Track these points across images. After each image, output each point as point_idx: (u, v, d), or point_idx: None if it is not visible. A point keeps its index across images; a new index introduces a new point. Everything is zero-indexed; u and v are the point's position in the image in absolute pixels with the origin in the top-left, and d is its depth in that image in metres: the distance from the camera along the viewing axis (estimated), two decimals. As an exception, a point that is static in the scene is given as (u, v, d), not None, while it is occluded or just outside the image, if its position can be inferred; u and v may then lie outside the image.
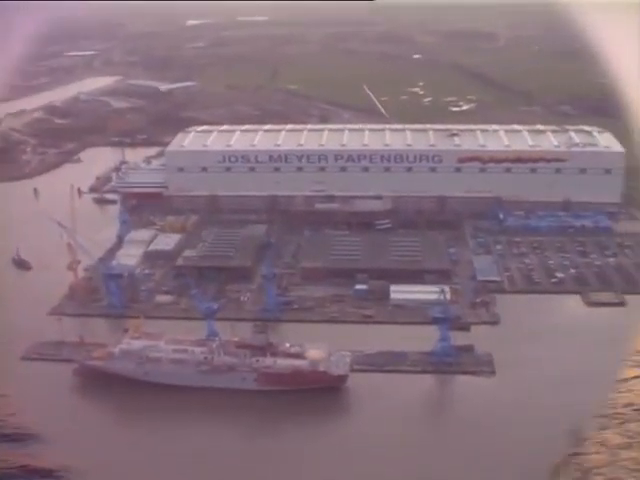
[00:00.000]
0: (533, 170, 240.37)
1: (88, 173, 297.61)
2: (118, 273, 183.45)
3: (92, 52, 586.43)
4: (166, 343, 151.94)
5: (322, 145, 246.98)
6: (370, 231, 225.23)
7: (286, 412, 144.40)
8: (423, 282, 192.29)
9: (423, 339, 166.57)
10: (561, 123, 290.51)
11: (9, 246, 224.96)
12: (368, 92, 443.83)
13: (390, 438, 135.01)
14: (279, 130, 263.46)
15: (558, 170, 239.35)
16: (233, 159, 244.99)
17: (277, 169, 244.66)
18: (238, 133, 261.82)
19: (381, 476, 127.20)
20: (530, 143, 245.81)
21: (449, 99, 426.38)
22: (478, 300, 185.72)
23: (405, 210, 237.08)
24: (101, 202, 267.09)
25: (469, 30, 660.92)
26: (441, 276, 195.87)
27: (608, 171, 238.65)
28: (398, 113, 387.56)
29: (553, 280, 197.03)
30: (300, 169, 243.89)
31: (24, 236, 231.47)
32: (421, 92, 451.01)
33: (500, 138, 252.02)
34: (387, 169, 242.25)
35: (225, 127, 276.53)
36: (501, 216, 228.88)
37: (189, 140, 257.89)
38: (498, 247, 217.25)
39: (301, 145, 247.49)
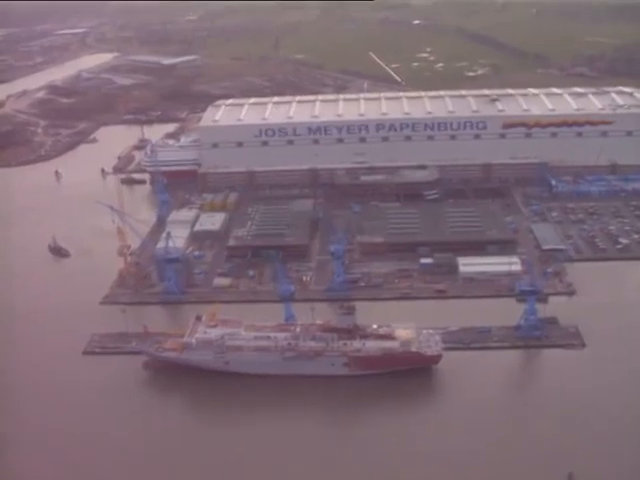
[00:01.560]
0: (579, 134, 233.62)
1: (107, 153, 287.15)
2: (175, 257, 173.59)
3: (83, 29, 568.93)
4: (246, 330, 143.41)
5: (362, 115, 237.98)
6: (420, 202, 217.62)
7: (382, 395, 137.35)
8: (486, 253, 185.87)
9: (499, 312, 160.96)
10: (580, 84, 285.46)
11: (41, 233, 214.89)
12: (377, 59, 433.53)
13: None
14: (312, 101, 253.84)
15: (604, 133, 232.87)
16: (270, 133, 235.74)
17: (316, 141, 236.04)
18: (270, 105, 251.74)
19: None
20: (574, 106, 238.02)
21: (461, 64, 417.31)
22: (549, 270, 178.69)
23: (450, 179, 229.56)
24: (129, 182, 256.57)
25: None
26: (505, 246, 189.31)
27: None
28: (413, 80, 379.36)
29: (618, 246, 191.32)
30: (340, 140, 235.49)
31: (54, 221, 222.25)
32: (431, 58, 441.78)
33: (542, 102, 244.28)
34: (430, 137, 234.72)
35: (255, 100, 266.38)
36: (553, 182, 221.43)
37: (221, 115, 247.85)
38: (554, 214, 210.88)
39: (340, 116, 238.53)
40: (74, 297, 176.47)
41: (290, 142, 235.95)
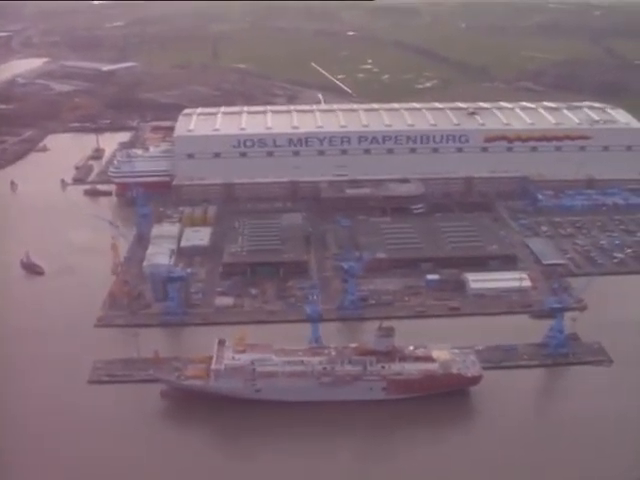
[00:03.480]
0: (558, 148, 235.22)
1: (60, 162, 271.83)
2: (180, 275, 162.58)
3: (6, 33, 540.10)
4: (276, 355, 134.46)
5: (343, 127, 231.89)
6: (408, 216, 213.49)
7: (424, 421, 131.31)
8: (488, 269, 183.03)
9: (517, 329, 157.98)
10: (528, 98, 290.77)
11: (8, 248, 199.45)
12: (321, 70, 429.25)
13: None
14: (289, 111, 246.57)
15: (582, 148, 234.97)
16: (249, 143, 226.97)
17: (297, 153, 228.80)
18: (245, 115, 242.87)
19: None
20: (552, 121, 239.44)
21: (407, 76, 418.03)
22: (556, 285, 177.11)
23: (433, 193, 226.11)
24: (93, 194, 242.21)
25: (391, 6, 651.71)
26: (506, 262, 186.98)
27: (629, 148, 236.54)
28: (362, 91, 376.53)
29: (614, 261, 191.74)
30: (321, 152, 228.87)
31: (20, 236, 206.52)
32: (375, 69, 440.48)
33: (519, 116, 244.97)
34: (413, 150, 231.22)
35: (227, 109, 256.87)
36: (540, 196, 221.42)
37: (195, 124, 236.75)
38: (543, 228, 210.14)
39: (321, 127, 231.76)
40: (63, 320, 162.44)
41: (270, 153, 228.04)
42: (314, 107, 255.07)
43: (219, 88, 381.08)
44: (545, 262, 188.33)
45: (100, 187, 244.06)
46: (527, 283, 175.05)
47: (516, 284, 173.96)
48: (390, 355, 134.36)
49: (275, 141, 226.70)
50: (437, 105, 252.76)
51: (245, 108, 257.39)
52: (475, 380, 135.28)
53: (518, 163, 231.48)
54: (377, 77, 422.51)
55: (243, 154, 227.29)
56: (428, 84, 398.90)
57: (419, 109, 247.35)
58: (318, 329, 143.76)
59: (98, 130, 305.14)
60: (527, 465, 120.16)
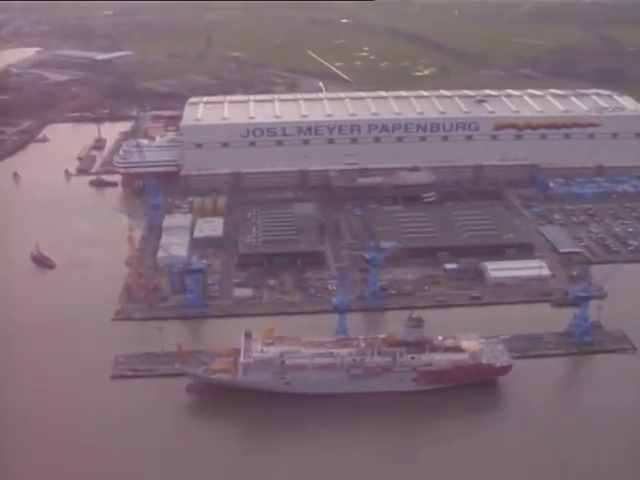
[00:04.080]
0: (567, 136, 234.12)
1: (62, 153, 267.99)
2: (200, 267, 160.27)
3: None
4: (305, 347, 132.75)
5: (353, 115, 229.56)
6: (420, 205, 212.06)
7: (456, 411, 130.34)
8: (505, 257, 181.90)
9: (539, 318, 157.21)
10: (527, 85, 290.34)
11: (18, 241, 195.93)
12: (318, 58, 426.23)
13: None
14: (296, 100, 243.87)
15: (591, 135, 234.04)
16: (258, 132, 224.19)
17: (306, 142, 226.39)
18: (252, 104, 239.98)
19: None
20: (561, 108, 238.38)
21: (404, 64, 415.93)
22: (575, 273, 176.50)
23: (443, 181, 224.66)
24: (98, 184, 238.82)
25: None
26: (522, 250, 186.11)
27: (638, 135, 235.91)
28: (361, 79, 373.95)
29: (630, 248, 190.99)
30: (331, 141, 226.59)
31: (28, 228, 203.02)
32: (371, 57, 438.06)
33: (527, 103, 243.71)
34: (422, 138, 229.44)
35: (234, 97, 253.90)
36: (551, 184, 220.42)
37: (202, 113, 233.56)
38: (556, 216, 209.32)
39: (330, 115, 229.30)
40: (80, 313, 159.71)
41: (279, 142, 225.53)
42: (321, 95, 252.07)
43: (217, 77, 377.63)
44: (561, 250, 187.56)
45: (105, 178, 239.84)
46: (546, 272, 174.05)
47: (536, 273, 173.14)
48: (420, 346, 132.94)
49: (285, 130, 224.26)
50: (444, 93, 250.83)
51: (251, 97, 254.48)
52: (504, 370, 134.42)
53: (527, 151, 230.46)
54: (374, 64, 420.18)
55: (252, 143, 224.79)
56: (426, 71, 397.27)
57: (427, 97, 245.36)
58: (345, 320, 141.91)
59: (97, 120, 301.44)
60: (560, 456, 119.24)
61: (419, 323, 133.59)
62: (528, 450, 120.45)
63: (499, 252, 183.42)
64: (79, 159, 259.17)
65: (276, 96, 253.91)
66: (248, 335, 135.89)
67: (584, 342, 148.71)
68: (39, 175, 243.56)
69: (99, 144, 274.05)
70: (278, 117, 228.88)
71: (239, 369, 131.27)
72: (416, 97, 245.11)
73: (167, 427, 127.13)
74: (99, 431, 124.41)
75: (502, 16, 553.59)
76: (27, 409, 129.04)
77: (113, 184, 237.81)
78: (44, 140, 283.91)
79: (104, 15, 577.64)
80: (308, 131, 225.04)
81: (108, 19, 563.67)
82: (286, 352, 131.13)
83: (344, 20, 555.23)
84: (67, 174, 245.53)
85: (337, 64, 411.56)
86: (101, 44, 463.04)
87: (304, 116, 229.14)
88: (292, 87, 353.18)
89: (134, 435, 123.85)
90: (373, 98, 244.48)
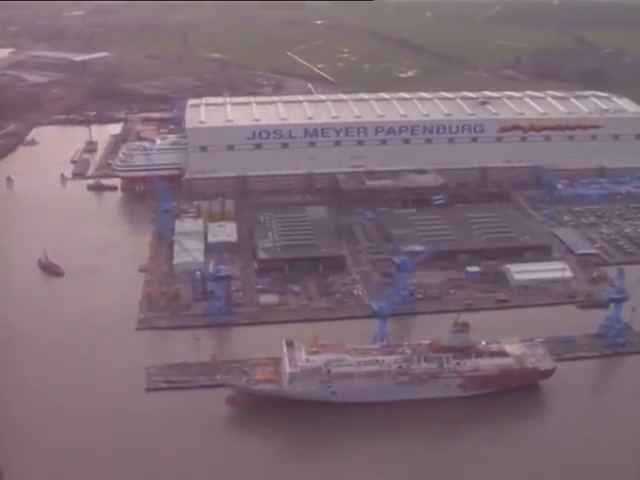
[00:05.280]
0: (570, 137, 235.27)
1: (53, 156, 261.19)
2: (226, 274, 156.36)
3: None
4: (351, 354, 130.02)
5: (359, 117, 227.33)
6: (430, 207, 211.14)
7: (498, 416, 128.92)
8: (523, 259, 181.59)
9: (568, 320, 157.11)
10: (512, 87, 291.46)
11: (22, 248, 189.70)
12: (299, 59, 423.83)
13: None
14: (300, 102, 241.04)
15: (594, 137, 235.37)
16: (264, 135, 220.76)
17: (312, 144, 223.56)
18: (255, 106, 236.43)
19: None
20: (564, 110, 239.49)
21: (387, 65, 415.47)
22: (595, 275, 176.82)
23: (449, 184, 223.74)
24: (97, 188, 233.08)
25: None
26: (540, 252, 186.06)
27: (638, 136, 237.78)
28: (346, 80, 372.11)
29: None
30: (338, 143, 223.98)
31: (31, 235, 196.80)
32: (352, 58, 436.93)
33: (529, 105, 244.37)
34: (428, 141, 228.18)
35: (235, 99, 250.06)
36: (559, 185, 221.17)
37: (205, 115, 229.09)
38: (566, 218, 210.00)
39: (336, 117, 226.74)
40: (101, 323, 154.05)
41: (285, 145, 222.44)
42: (323, 97, 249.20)
43: (200, 78, 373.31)
44: (578, 252, 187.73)
45: (104, 181, 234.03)
46: (569, 273, 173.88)
47: (559, 275, 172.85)
48: (466, 351, 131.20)
49: (291, 132, 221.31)
50: (445, 95, 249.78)
51: (252, 98, 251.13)
52: (548, 373, 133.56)
53: (532, 153, 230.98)
54: (357, 66, 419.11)
55: (258, 146, 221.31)
56: (410, 73, 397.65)
57: (429, 99, 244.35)
58: (385, 326, 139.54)
59: (85, 122, 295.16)
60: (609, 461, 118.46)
61: (464, 328, 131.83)
62: (576, 454, 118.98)
63: (517, 254, 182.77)
64: (73, 162, 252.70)
65: (277, 98, 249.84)
66: (290, 344, 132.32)
67: (617, 344, 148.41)
68: (33, 179, 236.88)
69: (91, 147, 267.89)
70: (284, 119, 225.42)
71: (284, 379, 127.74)
72: (419, 99, 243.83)
73: (211, 442, 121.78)
74: (142, 448, 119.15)
75: (475, 18, 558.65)
76: (64, 428, 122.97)
77: (112, 188, 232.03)
78: (33, 143, 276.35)
79: (74, 15, 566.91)
80: (315, 133, 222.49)
81: (79, 20, 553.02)
82: (332, 360, 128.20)
83: (319, 22, 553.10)
84: (63, 178, 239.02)
85: (319, 66, 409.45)
86: (75, 45, 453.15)
87: (310, 118, 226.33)
88: (278, 89, 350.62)
89: (178, 451, 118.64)
90: (376, 100, 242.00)
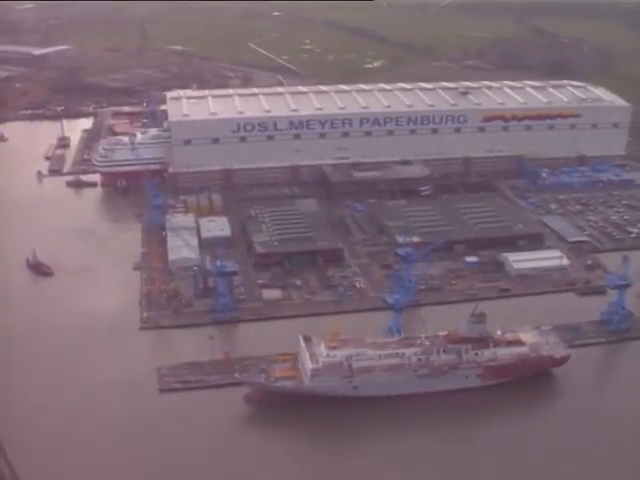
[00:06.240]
0: (550, 127, 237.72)
1: (25, 152, 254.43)
2: (233, 270, 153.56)
3: None
4: (371, 348, 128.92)
5: (343, 108, 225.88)
6: (418, 198, 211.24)
7: (516, 405, 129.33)
8: (518, 248, 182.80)
9: (571, 307, 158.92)
10: (479, 77, 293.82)
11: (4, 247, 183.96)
12: (262, 51, 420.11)
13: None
14: (282, 94, 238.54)
15: (573, 126, 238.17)
16: (249, 127, 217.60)
17: (297, 136, 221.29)
18: (237, 98, 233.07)
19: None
20: (544, 100, 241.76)
21: (350, 56, 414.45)
22: (589, 262, 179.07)
23: (434, 174, 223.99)
24: (76, 185, 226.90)
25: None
26: (533, 241, 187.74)
27: (615, 125, 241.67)
28: (311, 71, 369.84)
29: (632, 236, 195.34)
30: (323, 135, 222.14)
31: (9, 234, 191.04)
32: (316, 50, 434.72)
33: (509, 95, 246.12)
34: (413, 131, 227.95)
35: (215, 92, 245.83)
36: (544, 174, 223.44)
37: (188, 108, 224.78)
38: (552, 206, 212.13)
39: (321, 109, 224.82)
40: (102, 323, 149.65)
41: (270, 137, 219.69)
42: (305, 89, 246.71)
43: (165, 71, 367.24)
44: (570, 240, 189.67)
45: (84, 178, 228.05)
46: (566, 261, 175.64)
47: (556, 263, 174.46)
48: (484, 341, 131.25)
49: (276, 124, 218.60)
50: (425, 85, 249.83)
51: (231, 90, 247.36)
52: (563, 360, 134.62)
53: (513, 142, 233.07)
54: (321, 58, 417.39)
55: (243, 139, 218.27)
56: (376, 63, 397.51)
57: (410, 89, 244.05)
58: (399, 319, 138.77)
59: (53, 117, 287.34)
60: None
61: (482, 319, 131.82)
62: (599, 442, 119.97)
63: (511, 243, 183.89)
64: (47, 159, 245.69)
65: (257, 90, 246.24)
66: (307, 339, 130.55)
67: (621, 330, 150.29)
68: (8, 176, 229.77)
69: (64, 142, 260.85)
70: (268, 111, 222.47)
71: (305, 375, 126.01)
72: (400, 90, 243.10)
73: (234, 442, 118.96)
74: (163, 449, 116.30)
75: (431, 7, 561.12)
76: (81, 432, 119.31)
77: (92, 184, 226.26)
78: (2, 139, 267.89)
79: (25, 8, 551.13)
80: (300, 125, 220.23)
81: (31, 12, 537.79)
82: (353, 355, 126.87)
83: (276, 13, 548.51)
84: (39, 175, 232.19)
85: (284, 57, 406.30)
86: (31, 38, 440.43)
87: (294, 110, 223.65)
88: (247, 81, 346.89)
89: (201, 452, 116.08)
90: (357, 92, 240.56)
